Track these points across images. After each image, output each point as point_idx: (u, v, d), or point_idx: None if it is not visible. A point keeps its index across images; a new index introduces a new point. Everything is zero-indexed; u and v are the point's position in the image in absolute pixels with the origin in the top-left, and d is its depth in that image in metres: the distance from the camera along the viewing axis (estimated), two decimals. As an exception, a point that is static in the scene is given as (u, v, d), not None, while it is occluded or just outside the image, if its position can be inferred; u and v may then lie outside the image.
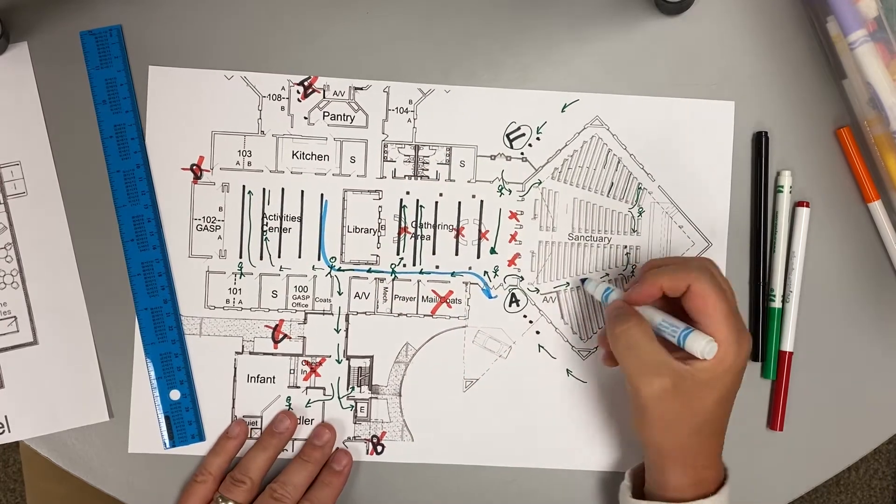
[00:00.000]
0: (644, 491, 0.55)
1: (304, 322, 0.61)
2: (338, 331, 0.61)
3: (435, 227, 0.61)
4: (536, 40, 0.62)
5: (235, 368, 0.61)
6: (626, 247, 0.62)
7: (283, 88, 0.61)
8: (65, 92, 0.61)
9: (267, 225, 0.61)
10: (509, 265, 0.61)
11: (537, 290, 0.61)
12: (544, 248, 0.61)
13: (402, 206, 0.61)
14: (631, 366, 0.52)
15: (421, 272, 0.61)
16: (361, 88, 0.61)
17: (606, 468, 0.61)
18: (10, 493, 1.24)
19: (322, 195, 0.61)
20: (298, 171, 0.61)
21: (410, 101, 0.61)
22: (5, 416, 0.60)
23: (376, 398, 0.61)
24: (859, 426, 0.62)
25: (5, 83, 0.60)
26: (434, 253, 0.61)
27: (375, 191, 0.61)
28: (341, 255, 0.61)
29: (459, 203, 0.61)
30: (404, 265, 0.61)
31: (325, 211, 0.61)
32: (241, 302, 0.61)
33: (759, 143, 0.61)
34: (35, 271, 0.60)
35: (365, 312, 0.61)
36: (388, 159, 0.61)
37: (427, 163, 0.61)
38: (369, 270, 0.61)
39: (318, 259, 0.61)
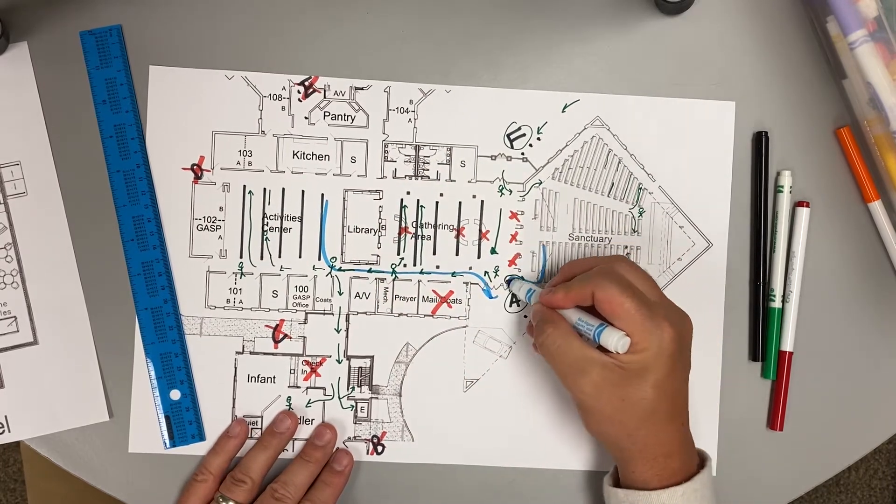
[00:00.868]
0: (620, 481, 0.56)
1: (305, 322, 0.61)
2: (338, 331, 0.61)
3: (435, 227, 0.61)
4: (537, 40, 0.62)
5: (236, 368, 0.61)
6: (626, 247, 0.62)
7: (283, 88, 0.61)
8: (65, 92, 0.60)
9: (267, 225, 0.61)
10: (510, 265, 0.61)
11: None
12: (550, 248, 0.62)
13: (402, 207, 0.61)
14: (559, 370, 0.53)
15: (421, 272, 0.61)
16: (362, 88, 0.61)
17: (606, 469, 0.61)
18: (11, 493, 1.24)
19: (323, 195, 0.61)
20: (299, 171, 0.61)
21: (411, 101, 0.61)
22: (5, 416, 0.60)
23: (377, 398, 0.61)
24: (859, 426, 0.62)
25: (5, 83, 0.60)
26: (434, 253, 0.61)
27: (376, 191, 0.61)
28: (342, 255, 0.61)
29: (460, 203, 0.61)
30: (405, 265, 0.61)
31: (325, 211, 0.61)
32: (241, 302, 0.61)
33: (759, 143, 0.61)
34: (35, 271, 0.60)
35: (365, 312, 0.61)
36: (389, 159, 0.61)
37: (428, 163, 0.61)
38: (370, 270, 0.61)
39: (319, 259, 0.61)
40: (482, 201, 0.61)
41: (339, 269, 0.61)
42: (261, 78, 0.61)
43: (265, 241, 0.61)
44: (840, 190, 0.62)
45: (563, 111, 0.62)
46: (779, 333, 0.61)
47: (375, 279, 0.61)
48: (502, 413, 0.61)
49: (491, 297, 0.61)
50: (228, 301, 0.61)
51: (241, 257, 0.61)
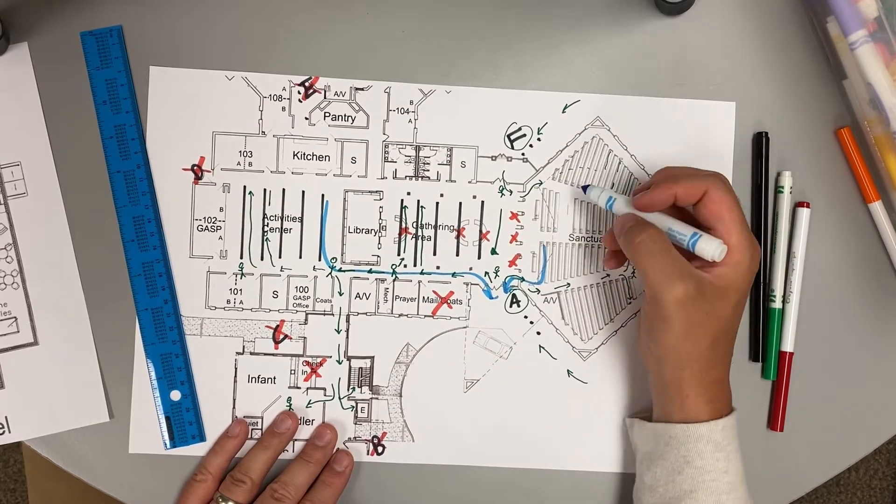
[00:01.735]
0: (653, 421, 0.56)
1: (305, 322, 0.61)
2: (338, 331, 0.61)
3: (436, 227, 0.61)
4: (537, 40, 0.62)
5: (236, 369, 0.61)
6: (626, 247, 0.62)
7: (284, 89, 0.61)
8: (65, 92, 0.60)
9: (268, 225, 0.61)
10: (510, 266, 0.61)
11: (538, 291, 0.61)
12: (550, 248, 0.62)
13: (402, 207, 0.61)
14: (653, 272, 0.52)
15: (422, 273, 0.61)
16: (362, 89, 0.61)
17: (607, 469, 0.61)
18: (11, 493, 1.24)
19: (323, 196, 0.61)
20: (299, 172, 0.61)
21: (411, 102, 0.61)
22: (5, 417, 0.60)
23: (377, 399, 0.61)
24: (859, 426, 0.62)
25: (5, 83, 0.60)
26: (435, 253, 0.61)
27: (376, 191, 0.61)
28: (342, 255, 0.61)
29: (460, 204, 0.61)
30: (405, 266, 0.61)
31: (325, 211, 0.61)
32: (241, 302, 0.61)
33: (760, 144, 0.61)
34: (35, 271, 0.60)
35: (366, 313, 0.61)
36: (389, 160, 0.61)
37: (428, 163, 0.61)
38: (370, 271, 0.61)
39: (319, 259, 0.61)
40: (482, 202, 0.61)
41: (340, 270, 0.61)
42: (261, 78, 0.61)
43: (265, 242, 0.61)
44: (840, 190, 0.62)
45: (563, 111, 0.62)
46: (779, 334, 0.61)
47: (376, 280, 0.61)
48: (502, 413, 0.61)
49: (491, 298, 0.61)
50: (229, 302, 0.61)
51: (241, 258, 0.61)
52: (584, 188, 0.60)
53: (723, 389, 0.54)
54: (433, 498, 0.61)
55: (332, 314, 0.61)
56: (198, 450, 0.60)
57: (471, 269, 0.61)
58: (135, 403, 0.60)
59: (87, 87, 0.60)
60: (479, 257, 0.61)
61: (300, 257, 0.61)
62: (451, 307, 0.61)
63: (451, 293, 0.61)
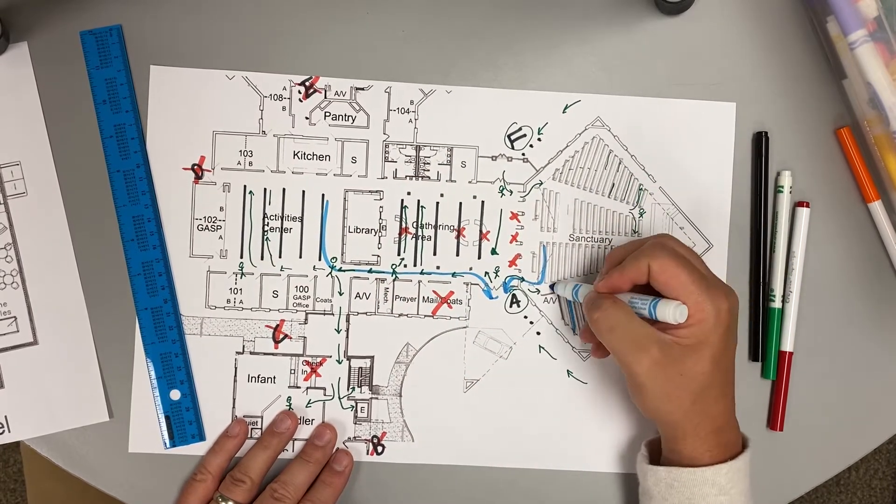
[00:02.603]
0: (661, 460, 0.56)
1: (305, 322, 0.61)
2: (338, 331, 0.61)
3: (436, 227, 0.61)
4: (537, 40, 0.62)
5: (236, 368, 0.61)
6: (626, 247, 0.62)
7: (284, 88, 0.61)
8: (65, 92, 0.60)
9: (268, 225, 0.61)
10: (510, 266, 0.61)
11: (538, 291, 0.61)
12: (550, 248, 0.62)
13: (402, 207, 0.61)
14: (617, 345, 0.52)
15: (422, 273, 0.61)
16: (363, 89, 0.61)
17: (607, 469, 0.61)
18: (11, 493, 1.24)
19: (323, 195, 0.61)
20: (300, 172, 0.61)
21: (412, 102, 0.61)
22: (5, 417, 0.59)
23: (377, 398, 0.61)
24: (859, 426, 0.62)
25: (5, 83, 0.60)
26: (435, 253, 0.61)
27: (376, 191, 0.61)
28: (342, 255, 0.61)
29: (460, 204, 0.61)
30: (405, 265, 0.61)
31: (326, 211, 0.61)
32: (241, 302, 0.61)
33: (760, 144, 0.61)
34: (35, 271, 0.60)
35: (366, 313, 0.61)
36: (390, 160, 0.61)
37: (428, 163, 0.61)
38: (370, 271, 0.61)
39: (319, 259, 0.61)
40: (483, 202, 0.61)
41: (340, 270, 0.61)
42: (261, 78, 0.61)
43: (266, 242, 0.61)
44: (840, 190, 0.62)
45: (563, 112, 0.62)
46: (779, 333, 0.61)
47: (376, 279, 0.61)
48: (502, 413, 0.61)
49: (491, 298, 0.61)
50: (229, 301, 0.61)
51: (241, 257, 0.61)
52: (552, 286, 0.61)
53: (720, 437, 0.53)
54: (433, 498, 0.61)
55: (332, 314, 0.61)
56: (197, 449, 0.60)
57: (471, 269, 0.61)
58: (134, 403, 0.60)
59: (87, 86, 0.60)
60: (479, 257, 0.61)
61: (300, 257, 0.61)
62: (451, 307, 0.61)
63: (451, 293, 0.61)
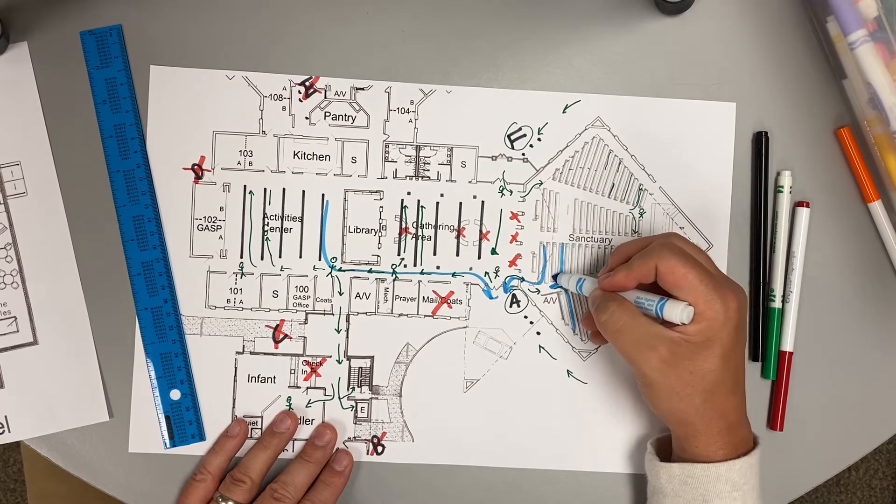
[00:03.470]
0: (672, 458, 0.56)
1: (305, 322, 0.61)
2: (338, 331, 0.61)
3: (436, 227, 0.61)
4: (537, 40, 0.62)
5: (236, 368, 0.61)
6: (626, 247, 0.62)
7: (284, 88, 0.61)
8: (65, 92, 0.60)
9: (268, 225, 0.61)
10: (510, 266, 0.61)
11: (538, 291, 0.61)
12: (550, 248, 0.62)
13: (403, 207, 0.61)
14: (625, 347, 0.52)
15: (422, 273, 0.61)
16: (363, 89, 0.61)
17: (607, 469, 0.61)
18: (11, 493, 1.24)
19: (323, 195, 0.61)
20: (300, 172, 0.61)
21: (412, 102, 0.61)
22: (5, 416, 0.59)
23: (377, 398, 0.61)
24: (859, 426, 0.62)
25: (5, 83, 0.60)
26: (435, 253, 0.61)
27: (376, 191, 0.61)
28: (342, 255, 0.61)
29: (460, 204, 0.61)
30: (405, 265, 0.61)
31: (326, 211, 0.61)
32: (241, 302, 0.61)
33: (760, 144, 0.61)
34: (35, 271, 0.60)
35: (366, 313, 0.61)
36: (390, 160, 0.61)
37: (428, 163, 0.61)
38: (370, 271, 0.61)
39: (319, 259, 0.61)
40: (483, 202, 0.61)
41: (340, 270, 0.61)
42: (261, 78, 0.61)
43: (266, 242, 0.61)
44: (840, 190, 0.62)
45: (563, 112, 0.62)
46: (779, 333, 0.61)
47: (376, 279, 0.61)
48: (502, 413, 0.61)
49: (491, 298, 0.61)
50: (229, 301, 0.61)
51: (241, 257, 0.61)
52: (555, 277, 0.61)
53: (732, 434, 0.53)
54: (433, 498, 0.61)
55: (332, 314, 0.61)
56: (197, 449, 0.60)
57: (471, 269, 0.61)
58: (134, 403, 0.60)
59: (87, 86, 0.60)
60: (479, 257, 0.61)
61: (300, 257, 0.61)
62: (451, 307, 0.61)
63: (451, 293, 0.61)
